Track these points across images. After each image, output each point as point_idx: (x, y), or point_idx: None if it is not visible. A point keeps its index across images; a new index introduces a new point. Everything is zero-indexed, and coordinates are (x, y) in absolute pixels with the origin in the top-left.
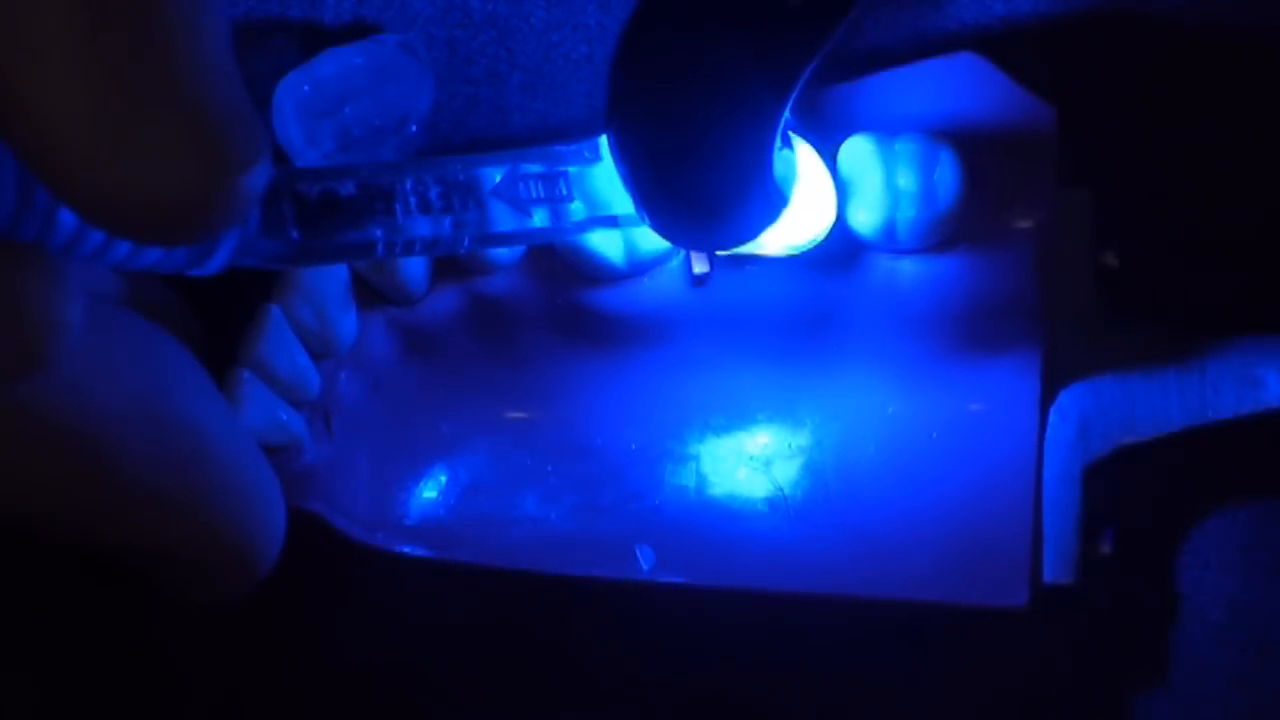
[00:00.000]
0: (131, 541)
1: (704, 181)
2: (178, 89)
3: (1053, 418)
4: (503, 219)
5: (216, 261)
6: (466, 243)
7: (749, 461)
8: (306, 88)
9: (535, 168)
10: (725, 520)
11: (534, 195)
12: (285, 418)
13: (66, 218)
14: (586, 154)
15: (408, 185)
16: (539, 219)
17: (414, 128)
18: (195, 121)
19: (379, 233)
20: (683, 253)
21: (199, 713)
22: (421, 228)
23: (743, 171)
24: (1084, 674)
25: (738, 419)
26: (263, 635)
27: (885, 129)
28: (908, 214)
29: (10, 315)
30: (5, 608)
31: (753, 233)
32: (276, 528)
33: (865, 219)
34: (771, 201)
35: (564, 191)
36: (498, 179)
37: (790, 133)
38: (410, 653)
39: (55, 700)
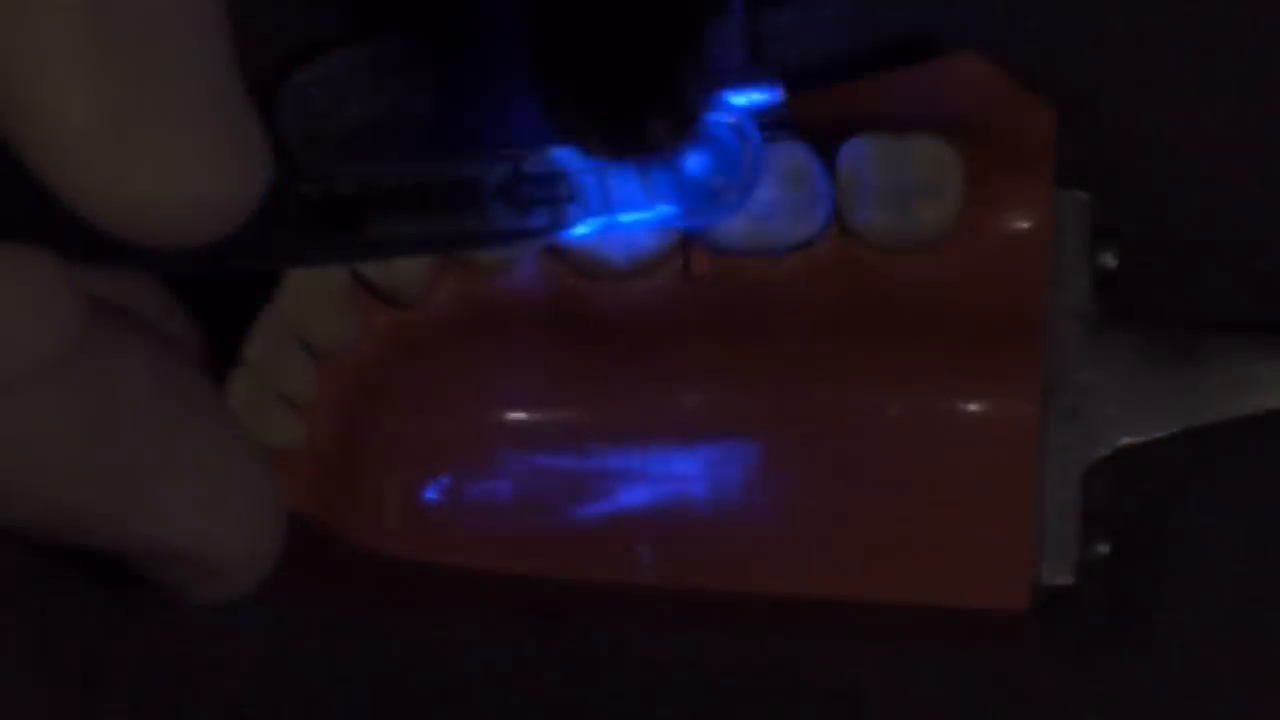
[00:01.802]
0: (130, 543)
1: (612, 75)
2: (181, 91)
3: (1052, 418)
4: (503, 219)
5: (217, 264)
6: (468, 243)
7: (748, 462)
8: (309, 88)
9: (536, 168)
10: (724, 522)
11: (535, 195)
12: (285, 420)
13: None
14: (587, 154)
15: (409, 185)
16: (539, 219)
17: (415, 128)
18: (200, 126)
19: (381, 233)
20: (683, 253)
21: (198, 714)
22: (423, 228)
23: (652, 63)
24: (1083, 674)
25: (737, 419)
26: (261, 637)
27: (885, 129)
28: (907, 215)
29: (10, 318)
30: (5, 608)
31: (662, 140)
32: (276, 530)
33: (865, 220)
34: (687, 104)
35: (564, 192)
36: (499, 179)
37: (789, 133)
38: (408, 654)
39: (55, 702)
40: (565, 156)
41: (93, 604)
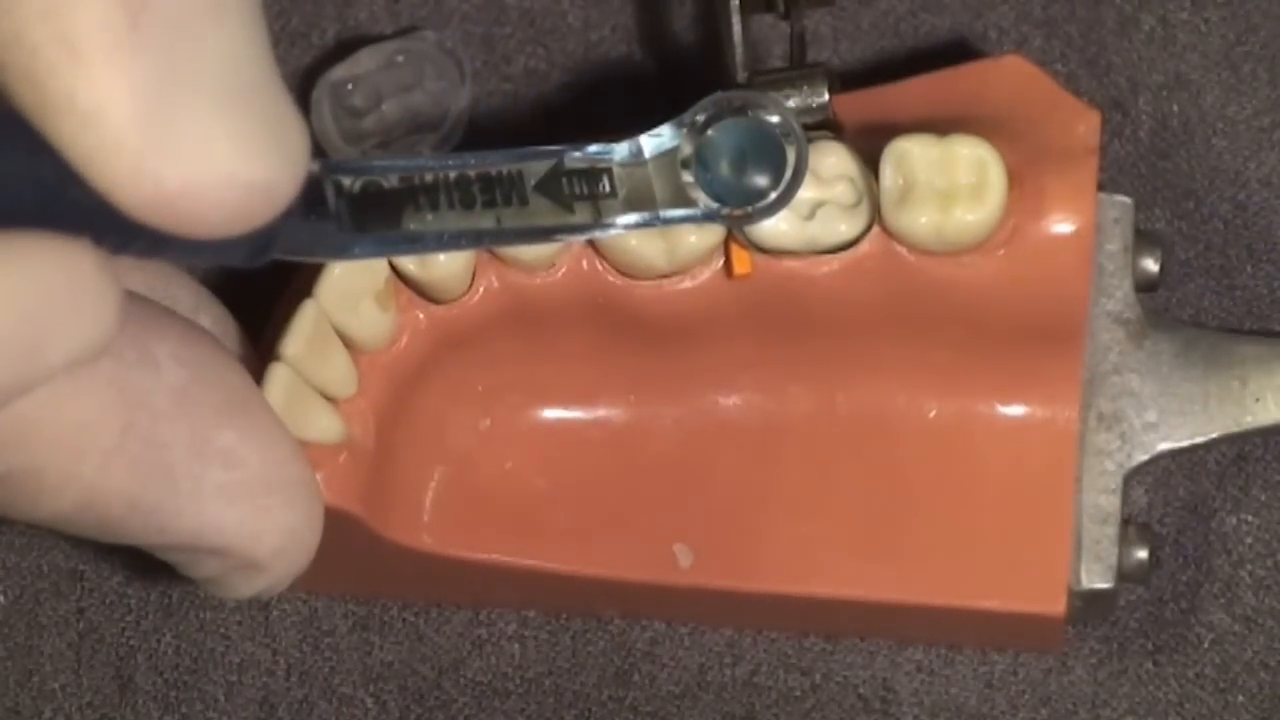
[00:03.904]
0: (166, 536)
1: None
2: (219, 83)
3: (1091, 423)
4: (545, 214)
5: (256, 256)
6: (508, 238)
7: (786, 462)
8: (345, 85)
9: (578, 164)
10: (761, 522)
11: (576, 191)
12: (323, 415)
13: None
14: (629, 151)
15: (450, 179)
16: (581, 215)
17: (452, 124)
18: (236, 115)
19: (420, 227)
20: (725, 252)
21: (232, 714)
22: (463, 222)
23: None
24: (1119, 678)
25: (776, 418)
26: (296, 635)
27: (928, 130)
28: (950, 216)
29: (50, 309)
30: (42, 609)
31: None
32: (312, 525)
33: (907, 221)
34: None
35: (606, 188)
36: (540, 174)
37: (832, 134)
38: (444, 653)
39: (91, 701)
40: (608, 153)
41: (128, 604)
